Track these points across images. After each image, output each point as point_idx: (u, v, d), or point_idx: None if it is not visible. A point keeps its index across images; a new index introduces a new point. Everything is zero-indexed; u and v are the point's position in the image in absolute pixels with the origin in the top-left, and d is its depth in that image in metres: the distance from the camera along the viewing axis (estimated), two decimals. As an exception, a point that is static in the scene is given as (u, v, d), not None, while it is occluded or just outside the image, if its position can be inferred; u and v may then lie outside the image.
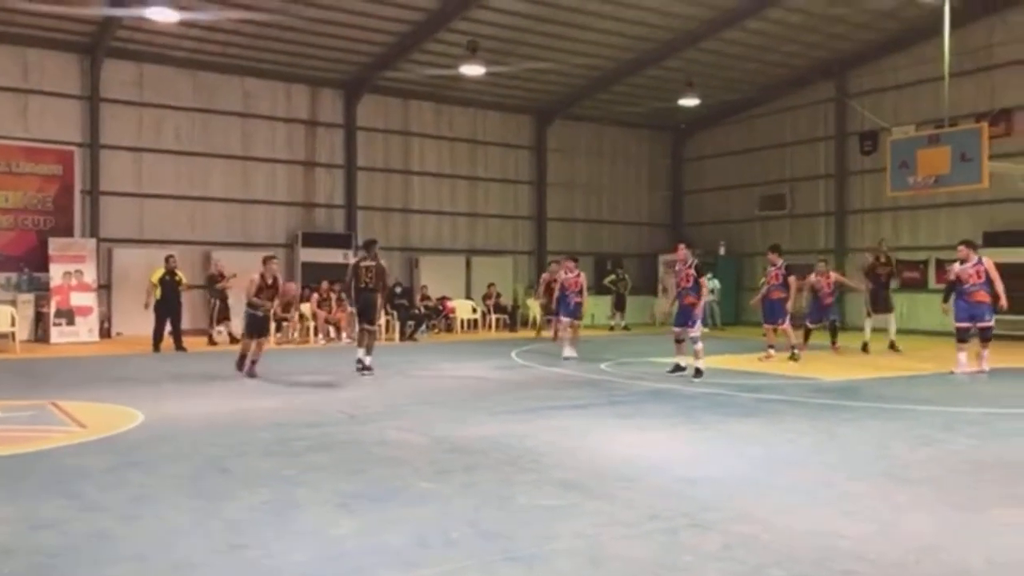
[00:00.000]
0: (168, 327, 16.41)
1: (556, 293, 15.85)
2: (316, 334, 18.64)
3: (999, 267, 12.82)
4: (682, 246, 12.64)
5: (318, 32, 19.02)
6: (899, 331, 16.39)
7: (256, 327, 12.32)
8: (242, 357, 12.28)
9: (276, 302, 13.07)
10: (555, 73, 22.07)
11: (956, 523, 5.01)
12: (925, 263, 21.32)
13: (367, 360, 12.30)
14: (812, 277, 15.75)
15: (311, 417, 8.70)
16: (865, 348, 15.74)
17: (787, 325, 14.34)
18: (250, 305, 12.29)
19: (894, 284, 16.79)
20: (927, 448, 7.24)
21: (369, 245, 12.81)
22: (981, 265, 12.58)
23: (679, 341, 12.13)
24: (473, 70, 19.01)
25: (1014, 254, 18.31)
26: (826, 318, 15.90)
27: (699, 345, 11.74)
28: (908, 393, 10.58)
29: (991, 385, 11.67)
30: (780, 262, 14.63)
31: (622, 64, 22.04)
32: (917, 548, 4.51)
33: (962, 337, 12.74)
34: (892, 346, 15.84)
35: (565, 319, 15.23)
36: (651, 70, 22.42)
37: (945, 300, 13.28)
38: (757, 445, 7.39)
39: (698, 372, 11.55)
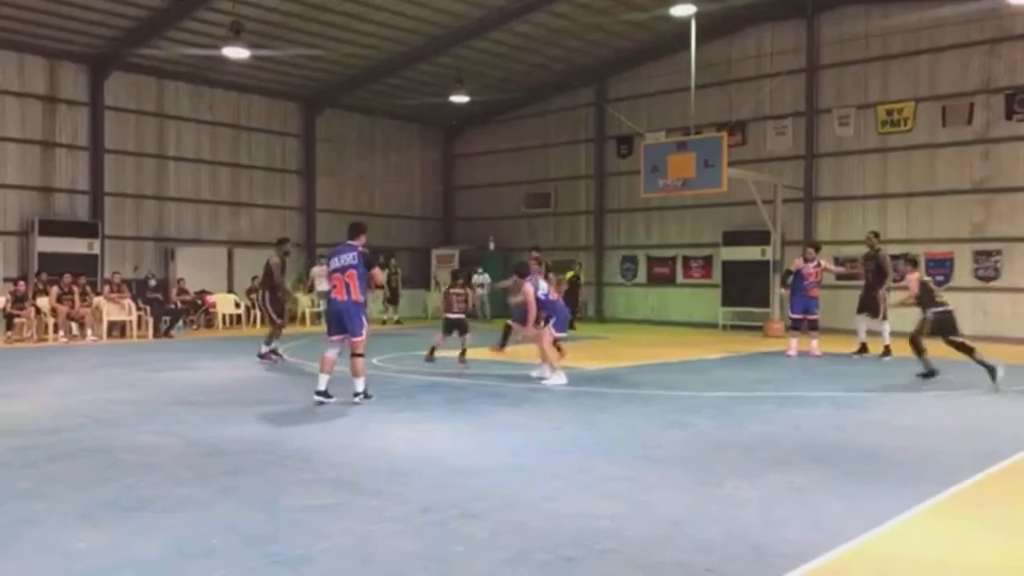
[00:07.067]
0: None
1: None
2: (57, 331, 16.94)
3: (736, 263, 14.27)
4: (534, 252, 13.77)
5: (56, -1, 17.27)
6: (652, 323, 17.27)
7: None
8: None
9: None
10: (325, 61, 21.53)
11: (699, 499, 5.45)
12: (673, 259, 23.09)
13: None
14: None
15: (50, 423, 7.88)
16: (863, 349, 14.16)
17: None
18: None
19: (889, 285, 14.04)
20: (674, 430, 7.84)
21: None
22: (820, 266, 14.23)
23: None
24: (237, 53, 18.04)
25: (748, 252, 20.41)
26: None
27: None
28: (659, 380, 11.41)
29: (729, 369, 12.88)
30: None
31: (394, 56, 21.92)
32: (667, 524, 4.87)
33: (796, 326, 14.31)
34: (886, 351, 13.66)
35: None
36: (423, 65, 22.49)
37: (783, 285, 14.93)
38: (524, 434, 7.65)
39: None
